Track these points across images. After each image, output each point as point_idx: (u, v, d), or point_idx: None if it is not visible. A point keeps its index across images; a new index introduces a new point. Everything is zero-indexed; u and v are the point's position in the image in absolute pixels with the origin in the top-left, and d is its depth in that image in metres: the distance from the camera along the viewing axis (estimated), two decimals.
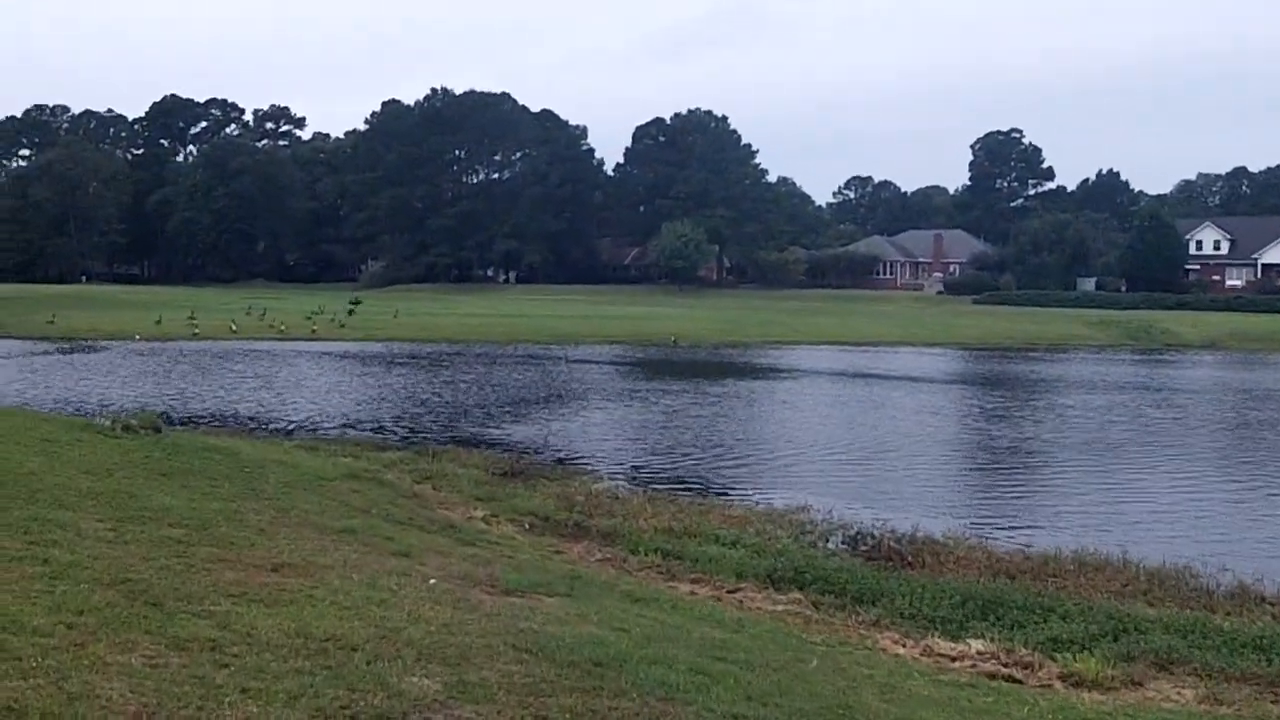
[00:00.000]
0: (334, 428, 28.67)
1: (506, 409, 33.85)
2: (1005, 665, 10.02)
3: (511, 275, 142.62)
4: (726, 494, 20.57)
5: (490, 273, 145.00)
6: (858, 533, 16.22)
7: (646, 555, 13.55)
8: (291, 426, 28.63)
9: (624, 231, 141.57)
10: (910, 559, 14.63)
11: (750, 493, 20.61)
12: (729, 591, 12.22)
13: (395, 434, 27.84)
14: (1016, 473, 24.79)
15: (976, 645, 10.52)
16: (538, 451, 24.75)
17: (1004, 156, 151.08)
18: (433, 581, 9.79)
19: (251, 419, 29.93)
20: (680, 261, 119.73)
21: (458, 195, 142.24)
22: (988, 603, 12.12)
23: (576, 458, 24.46)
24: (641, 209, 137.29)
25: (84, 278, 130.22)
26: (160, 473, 12.87)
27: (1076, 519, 18.99)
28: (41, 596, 7.31)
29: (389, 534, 11.90)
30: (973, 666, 9.96)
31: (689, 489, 20.97)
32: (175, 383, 39.26)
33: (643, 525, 15.21)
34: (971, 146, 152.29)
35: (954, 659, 10.19)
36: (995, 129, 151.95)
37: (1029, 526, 18.23)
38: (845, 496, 20.36)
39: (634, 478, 22.02)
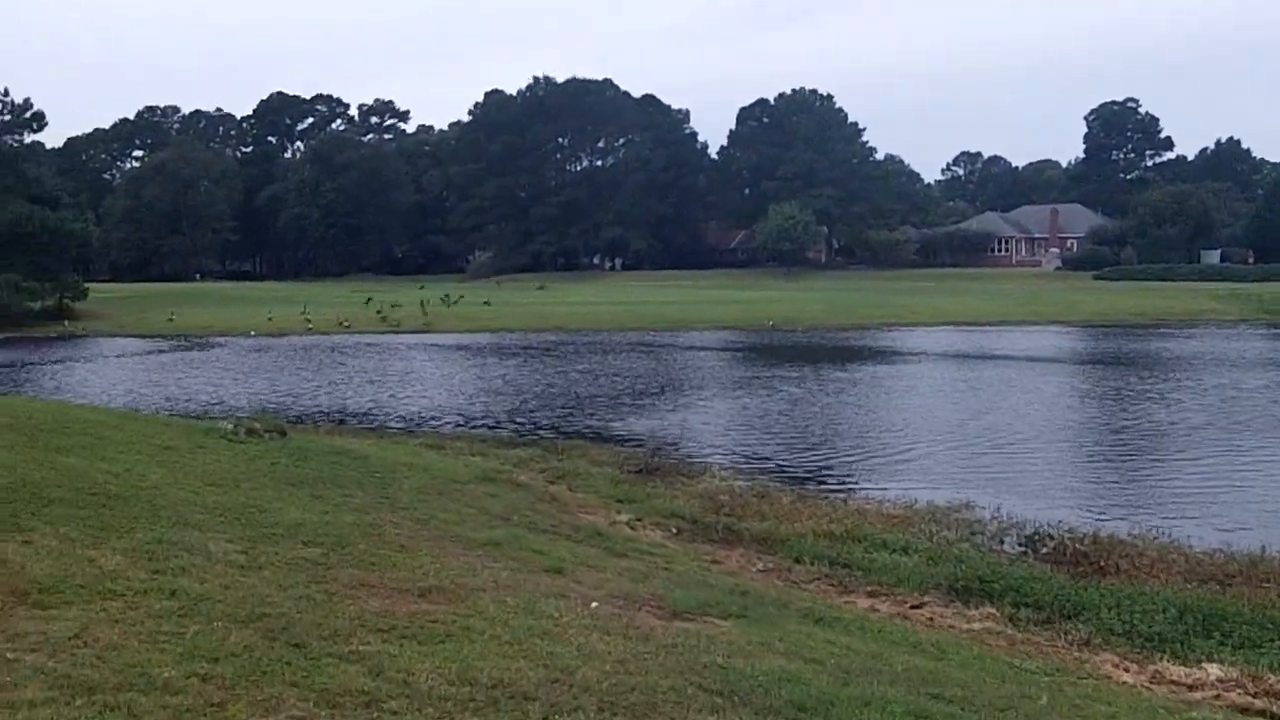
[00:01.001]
0: (450, 423, 27.87)
1: (625, 400, 32.84)
2: (1254, 696, 8.64)
3: (617, 262, 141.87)
4: (871, 489, 19.22)
5: (596, 260, 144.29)
6: (1034, 533, 14.81)
7: (812, 564, 12.34)
8: (406, 423, 27.89)
9: (729, 215, 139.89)
10: (1102, 563, 13.22)
11: (897, 487, 19.20)
12: (913, 607, 10.96)
13: (515, 428, 26.95)
14: (1185, 460, 22.90)
15: (1215, 671, 9.14)
16: (667, 445, 23.60)
17: (1120, 127, 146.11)
18: (595, 605, 8.73)
19: (365, 415, 29.31)
20: (788, 244, 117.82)
21: (561, 183, 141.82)
22: (1209, 616, 10.70)
23: (708, 452, 23.28)
24: (746, 191, 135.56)
25: (198, 275, 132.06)
26: (288, 482, 11.97)
27: (1267, 512, 17.37)
28: (171, 641, 6.35)
29: (536, 546, 10.85)
30: (1217, 698, 8.60)
31: (830, 484, 19.73)
32: (288, 379, 38.98)
33: (800, 529, 13.99)
34: (1085, 118, 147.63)
35: (1191, 688, 8.84)
36: (1110, 99, 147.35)
37: (1217, 522, 16.55)
38: (1000, 490, 18.90)
39: (772, 472, 20.81)
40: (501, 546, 10.47)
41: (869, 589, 11.54)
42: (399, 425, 27.16)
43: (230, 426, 14.31)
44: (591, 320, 69.56)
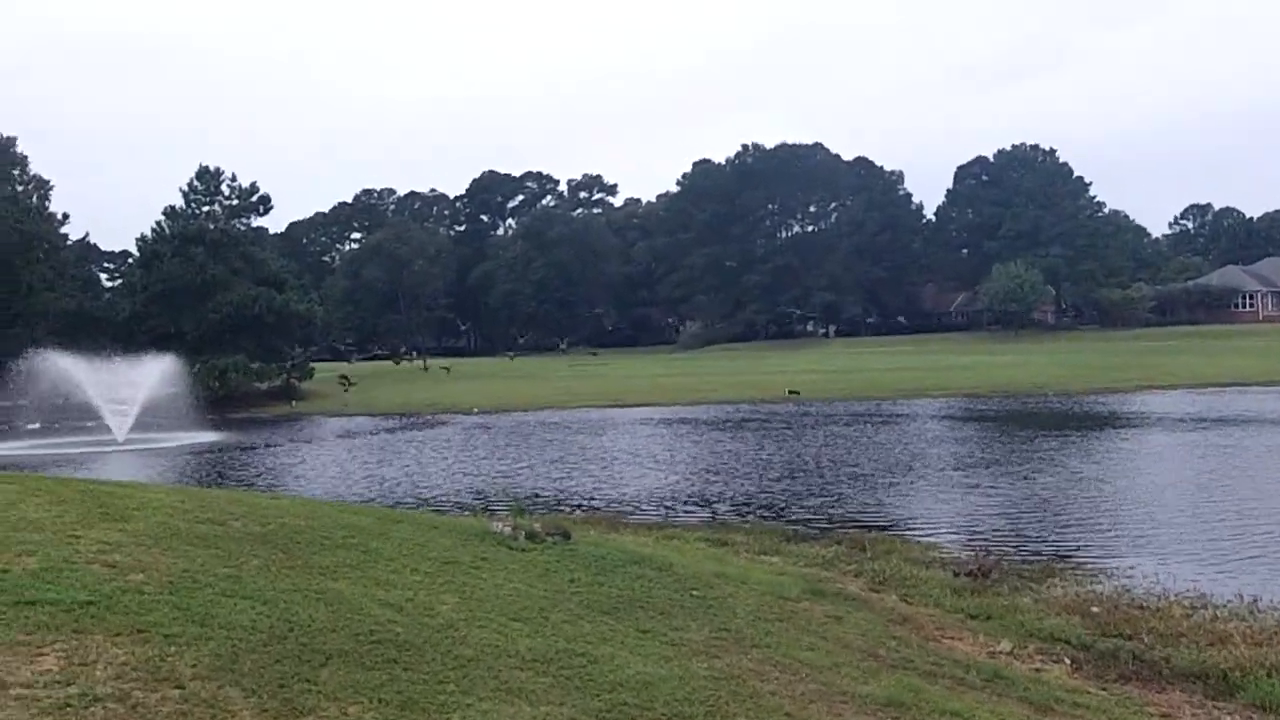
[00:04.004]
0: (692, 508, 25.18)
1: (884, 478, 29.69)
2: None
3: (831, 329, 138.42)
4: (1217, 592, 15.36)
5: (809, 327, 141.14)
6: None
7: None
8: (641, 507, 25.34)
9: (947, 276, 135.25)
10: None
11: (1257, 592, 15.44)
12: None
13: (768, 511, 24.19)
14: None
15: None
16: (981, 538, 20.35)
17: None
18: None
19: (594, 497, 27.10)
20: (1014, 304, 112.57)
21: (771, 250, 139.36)
22: None
23: (1019, 543, 19.98)
24: (965, 252, 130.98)
25: (414, 353, 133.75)
26: (602, 610, 9.37)
27: None
28: None
29: (946, 705, 7.99)
30: None
31: (1202, 589, 15.84)
32: (513, 458, 37.28)
33: (1236, 659, 10.77)
34: None
35: None
36: None
37: None
38: None
39: (1111, 571, 17.38)
40: (908, 709, 7.66)
41: None
42: (642, 512, 24.59)
43: (508, 530, 11.93)
44: (817, 389, 66.52)
